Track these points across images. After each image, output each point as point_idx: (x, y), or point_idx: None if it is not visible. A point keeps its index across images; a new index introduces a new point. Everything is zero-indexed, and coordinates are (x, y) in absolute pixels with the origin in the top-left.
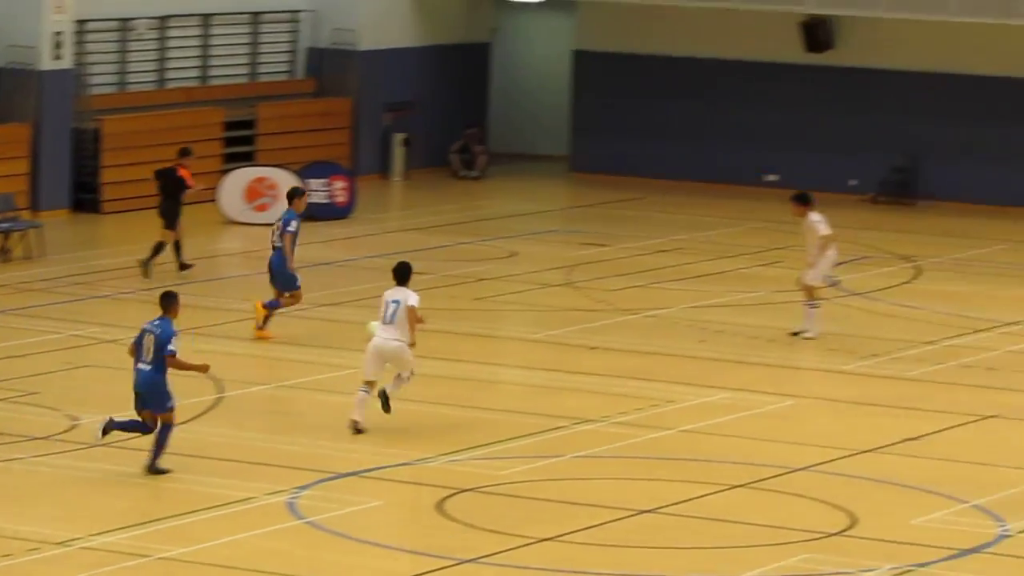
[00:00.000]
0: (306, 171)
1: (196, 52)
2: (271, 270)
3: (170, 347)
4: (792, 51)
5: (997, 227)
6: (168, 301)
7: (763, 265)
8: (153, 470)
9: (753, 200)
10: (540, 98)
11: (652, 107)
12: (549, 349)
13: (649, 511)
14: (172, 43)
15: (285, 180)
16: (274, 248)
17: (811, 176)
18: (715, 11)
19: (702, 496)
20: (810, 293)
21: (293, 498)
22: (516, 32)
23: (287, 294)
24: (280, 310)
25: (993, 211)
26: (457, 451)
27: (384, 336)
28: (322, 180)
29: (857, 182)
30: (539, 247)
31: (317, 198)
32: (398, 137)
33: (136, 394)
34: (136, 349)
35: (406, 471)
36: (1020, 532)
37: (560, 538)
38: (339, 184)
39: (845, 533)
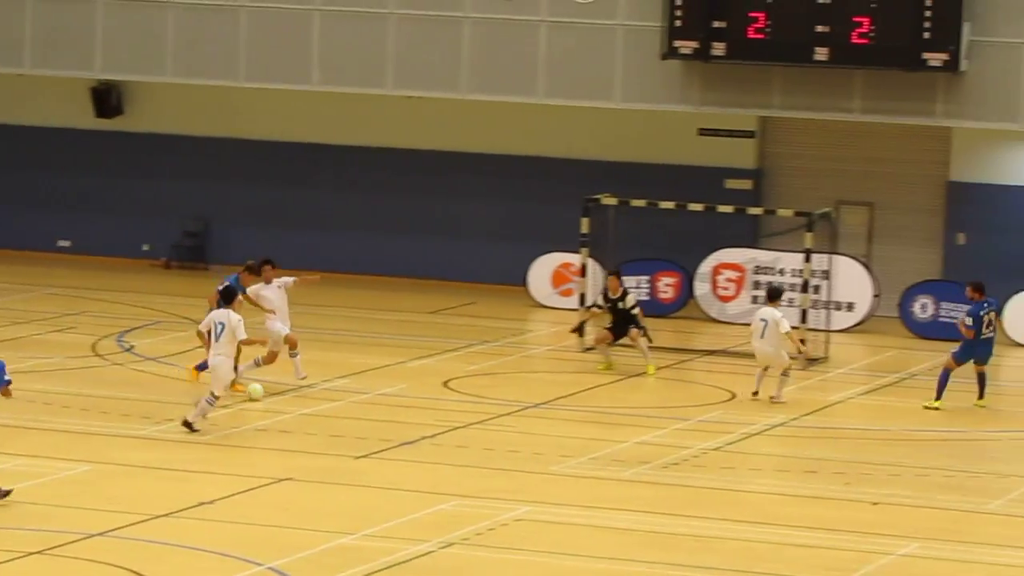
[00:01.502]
0: None
1: None
2: None
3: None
4: (83, 117)
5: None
6: None
7: (57, 331)
8: None
9: (46, 266)
10: None
11: None
12: None
13: None
14: None
15: None
16: None
17: (104, 242)
18: (5, 76)
19: None
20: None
21: None
22: None
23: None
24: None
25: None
26: None
27: (215, 352)
28: None
29: (150, 247)
30: None
31: None
32: None
33: None
34: None
35: None
36: None
37: None
38: None
39: None
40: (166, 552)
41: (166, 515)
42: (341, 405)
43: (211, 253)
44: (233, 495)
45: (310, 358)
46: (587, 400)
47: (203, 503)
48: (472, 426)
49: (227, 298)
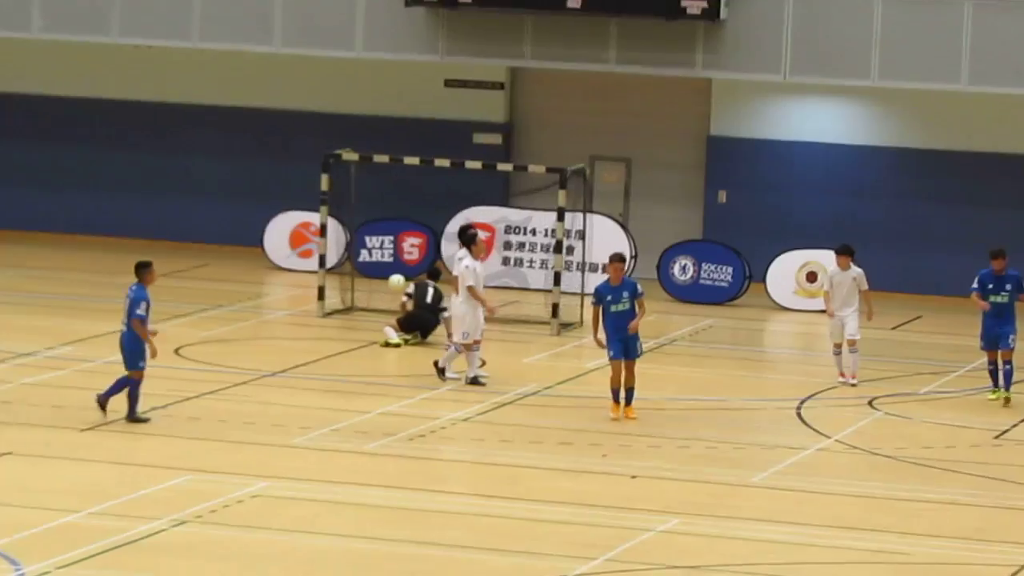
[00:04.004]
0: None
1: None
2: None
3: (138, 311)
4: None
5: (10, 255)
6: (143, 269)
7: None
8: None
9: None
10: None
11: None
12: None
13: None
14: None
15: None
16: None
17: None
18: None
19: None
20: None
21: None
22: None
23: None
24: None
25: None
26: None
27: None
28: None
29: None
30: None
31: None
32: None
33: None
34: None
35: None
36: (41, 574)
37: None
38: None
39: None
40: None
41: None
42: (65, 375)
43: None
44: None
45: (30, 324)
46: (328, 368)
47: None
48: (205, 396)
49: (464, 241)
